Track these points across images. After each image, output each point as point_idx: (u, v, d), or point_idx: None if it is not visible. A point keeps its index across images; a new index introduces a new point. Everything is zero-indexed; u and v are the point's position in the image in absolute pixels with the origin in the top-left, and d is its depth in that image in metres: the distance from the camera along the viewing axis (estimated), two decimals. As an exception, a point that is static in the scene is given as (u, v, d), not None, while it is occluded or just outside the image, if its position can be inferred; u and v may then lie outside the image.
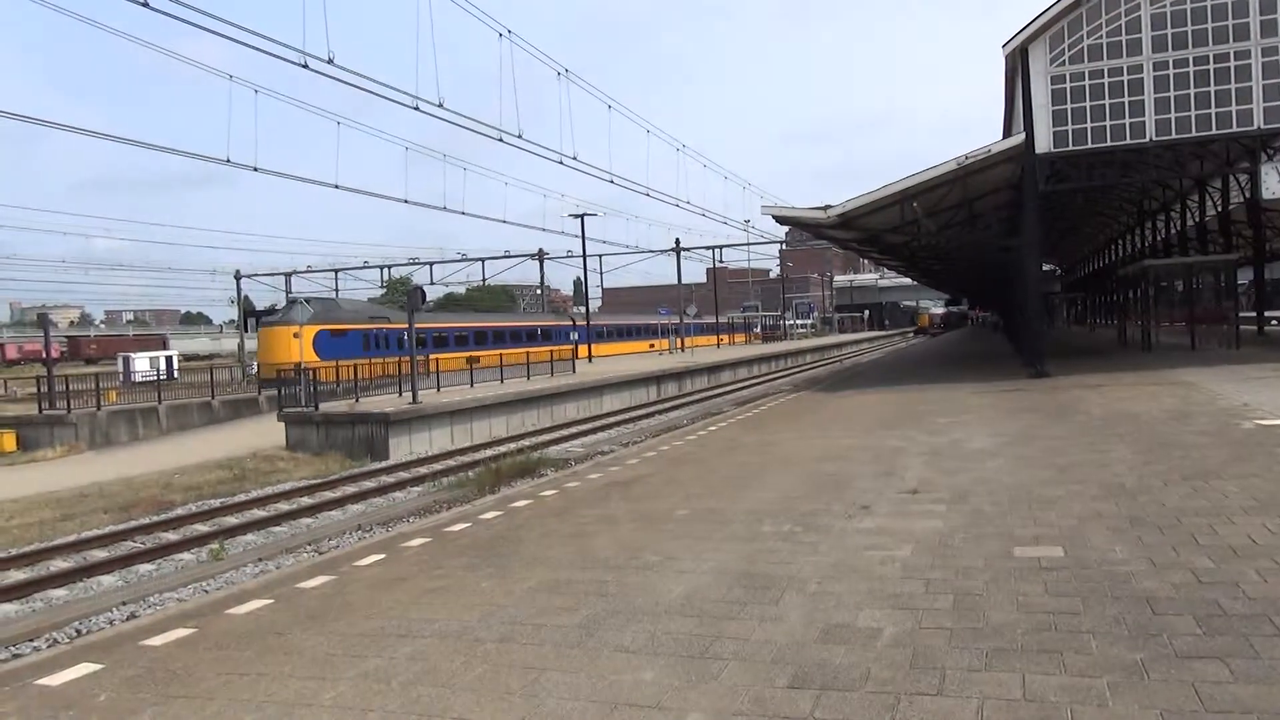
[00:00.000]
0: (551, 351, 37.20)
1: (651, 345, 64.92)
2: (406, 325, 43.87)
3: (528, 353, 36.24)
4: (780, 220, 25.27)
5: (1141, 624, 4.51)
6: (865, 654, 4.36)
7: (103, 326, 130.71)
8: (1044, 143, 21.18)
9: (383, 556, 7.16)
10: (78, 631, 9.47)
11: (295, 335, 37.83)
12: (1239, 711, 3.52)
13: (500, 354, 36.83)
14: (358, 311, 43.28)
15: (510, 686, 4.24)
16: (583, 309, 68.76)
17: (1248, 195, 32.77)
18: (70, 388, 29.38)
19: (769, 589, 5.52)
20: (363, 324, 41.42)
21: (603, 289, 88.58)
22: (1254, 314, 36.83)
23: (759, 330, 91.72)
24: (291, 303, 42.16)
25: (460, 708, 4.04)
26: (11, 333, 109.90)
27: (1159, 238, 42.57)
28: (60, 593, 11.59)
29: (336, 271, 73.43)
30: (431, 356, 33.92)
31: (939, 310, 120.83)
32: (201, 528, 14.83)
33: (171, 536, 14.29)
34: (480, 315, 60.81)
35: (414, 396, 23.92)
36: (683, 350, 56.77)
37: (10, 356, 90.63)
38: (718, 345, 69.37)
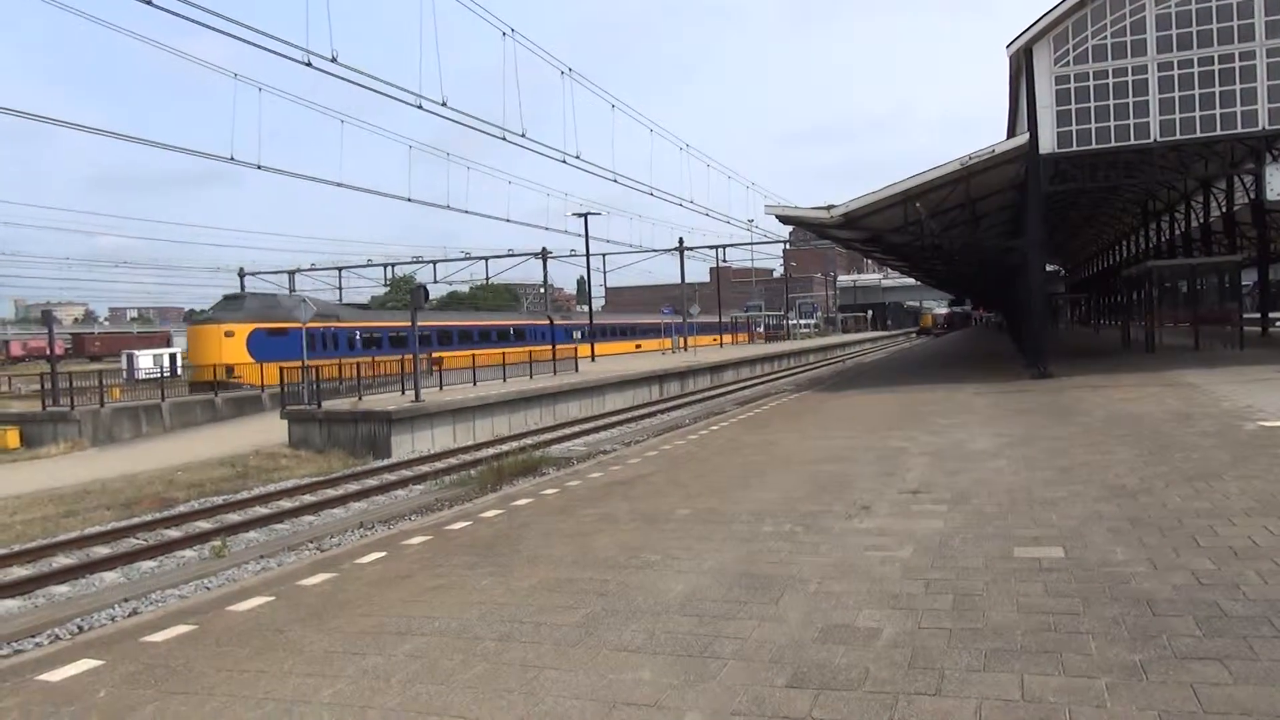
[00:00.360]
0: (554, 350, 36.59)
1: (638, 346, 62.16)
2: (358, 324, 40.44)
3: (503, 353, 34.14)
4: (783, 220, 25.27)
5: (1141, 625, 4.51)
6: (864, 654, 4.36)
7: (107, 324, 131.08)
8: (1048, 143, 21.16)
9: (384, 554, 7.17)
10: (79, 628, 9.49)
11: (227, 335, 35.35)
12: (1237, 713, 3.51)
13: (462, 355, 34.62)
14: (302, 309, 41.58)
15: (509, 685, 4.25)
16: (585, 307, 68.75)
17: (1252, 196, 32.72)
18: (74, 384, 29.44)
19: (769, 589, 5.52)
20: (308, 322, 39.80)
21: (606, 288, 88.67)
22: (1258, 315, 36.77)
23: (762, 330, 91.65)
24: (226, 299, 39.52)
25: (459, 705, 4.05)
26: (16, 330, 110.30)
27: (1163, 239, 42.56)
28: (62, 589, 11.61)
29: (340, 269, 73.64)
30: (379, 359, 32.30)
31: (942, 310, 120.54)
32: (204, 525, 14.85)
33: (174, 533, 14.32)
34: (444, 314, 56.08)
35: (416, 395, 23.96)
36: (685, 350, 56.77)
37: (15, 353, 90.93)
38: (720, 345, 69.33)
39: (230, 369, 33.91)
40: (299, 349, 36.07)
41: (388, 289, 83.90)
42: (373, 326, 42.33)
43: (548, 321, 55.12)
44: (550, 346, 41.84)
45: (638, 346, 61.80)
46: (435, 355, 36.61)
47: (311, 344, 36.71)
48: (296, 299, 40.75)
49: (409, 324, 43.53)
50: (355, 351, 38.58)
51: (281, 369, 27.26)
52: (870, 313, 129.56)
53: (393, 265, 73.60)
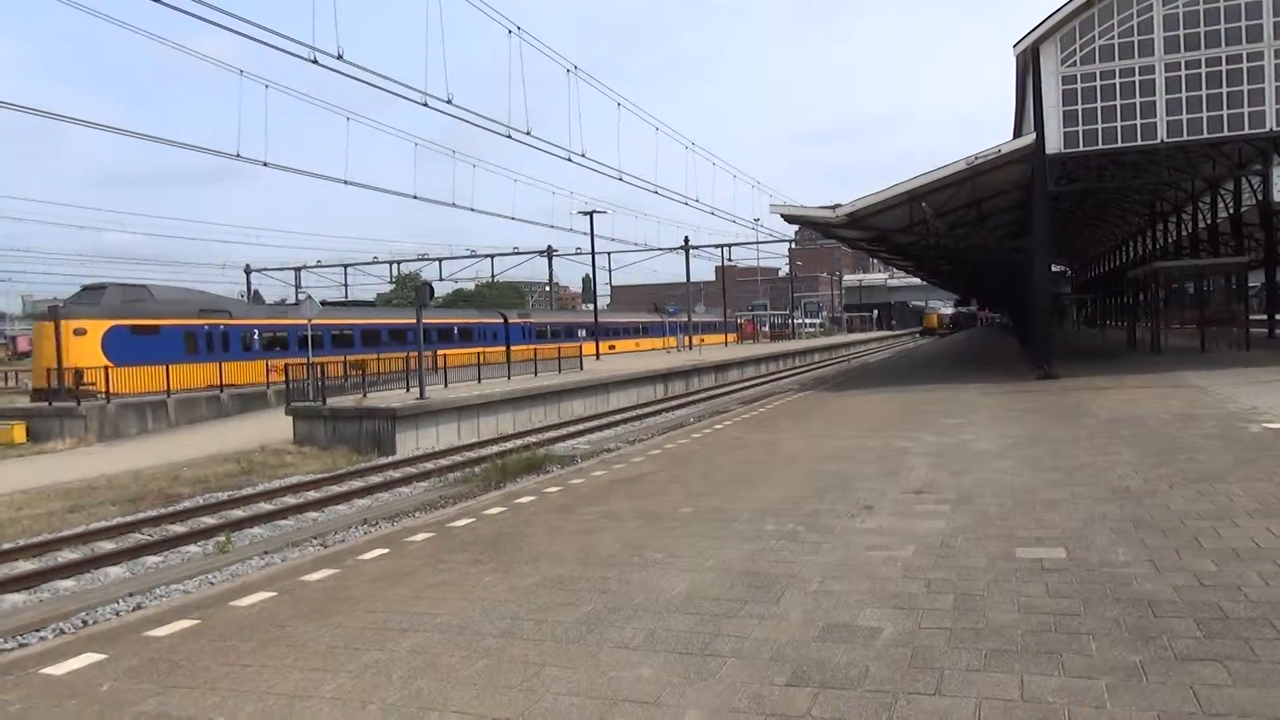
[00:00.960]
0: (507, 351, 34.35)
1: (612, 347, 55.66)
2: (257, 322, 36.04)
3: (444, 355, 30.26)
4: (789, 219, 25.28)
5: (1142, 626, 4.50)
6: (864, 653, 4.37)
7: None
8: (1054, 143, 21.13)
9: (386, 551, 7.19)
10: (83, 622, 9.53)
11: (77, 333, 29.96)
12: (1237, 715, 3.51)
13: (394, 358, 30.11)
14: (181, 303, 33.97)
15: (510, 681, 4.26)
16: (590, 305, 68.78)
17: (1260, 198, 32.62)
18: (80, 380, 29.43)
19: (770, 587, 5.53)
20: (187, 319, 33.02)
21: (611, 286, 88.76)
22: (1265, 317, 36.63)
23: (768, 329, 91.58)
24: (84, 290, 33.57)
25: (459, 701, 4.06)
26: (23, 325, 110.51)
27: (1170, 239, 42.42)
28: (68, 583, 11.65)
29: (346, 267, 73.80)
30: (289, 362, 28.89)
31: (948, 310, 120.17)
32: (208, 520, 14.90)
33: (178, 529, 14.36)
34: (374, 311, 46.82)
35: (421, 392, 24.01)
36: (690, 348, 56.79)
37: (22, 349, 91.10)
38: (725, 344, 69.28)
39: (80, 374, 28.73)
40: (174, 350, 31.18)
41: (394, 286, 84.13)
42: (276, 325, 37.18)
43: (501, 320, 49.79)
44: (504, 347, 38.52)
45: (611, 348, 55.27)
46: (356, 359, 31.02)
47: (190, 345, 32.65)
48: (172, 290, 35.80)
49: (325, 321, 37.65)
50: (253, 354, 34.18)
51: (287, 366, 27.26)
52: (876, 312, 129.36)
53: (398, 263, 73.81)
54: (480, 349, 34.78)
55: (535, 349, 35.63)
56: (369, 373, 27.99)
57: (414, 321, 43.21)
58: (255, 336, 35.47)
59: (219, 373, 31.39)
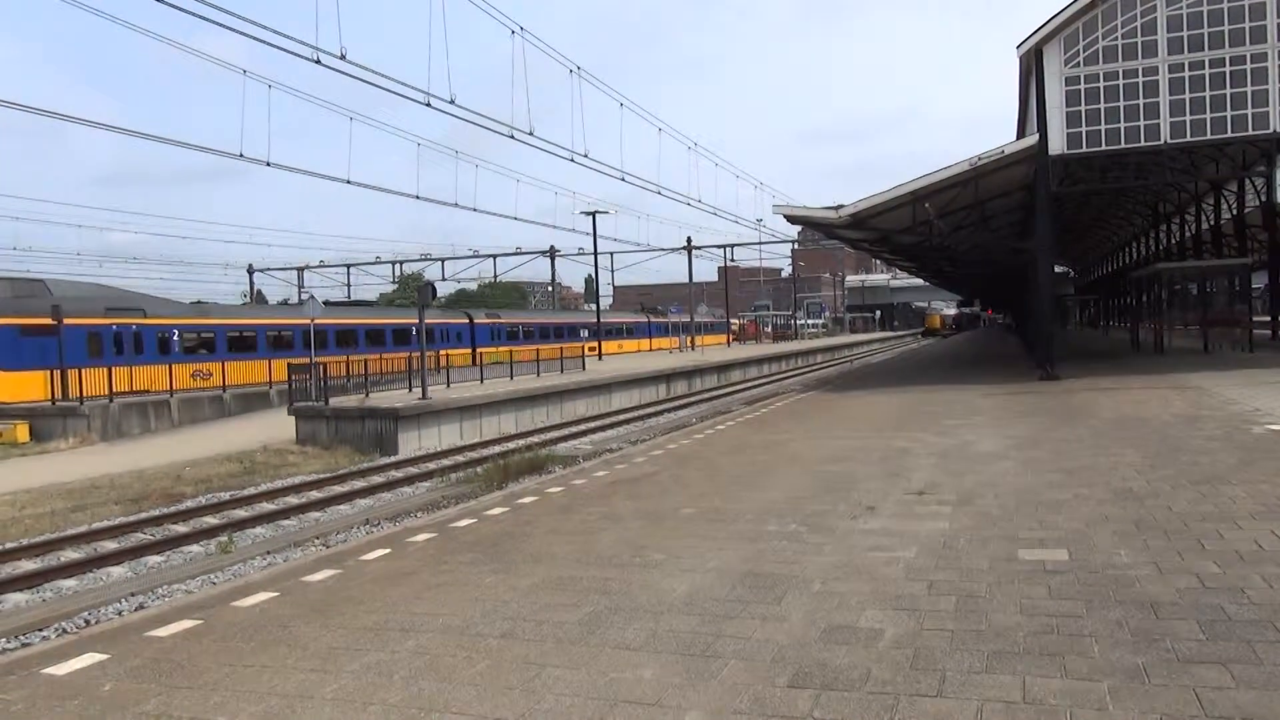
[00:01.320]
0: (474, 354, 33.22)
1: (594, 349, 50.61)
2: (177, 321, 33.13)
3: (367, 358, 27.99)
4: (792, 220, 25.28)
5: (1144, 628, 4.49)
6: (866, 654, 4.36)
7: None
8: (1057, 144, 21.11)
9: (388, 551, 7.19)
10: (86, 622, 9.54)
11: None
12: (1239, 717, 3.50)
13: (339, 360, 28.39)
14: (84, 300, 30.57)
15: (511, 682, 4.26)
16: (591, 305, 68.74)
17: (1263, 199, 32.57)
18: (83, 379, 29.45)
19: (772, 588, 5.52)
20: (90, 318, 29.93)
21: (614, 286, 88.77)
22: (1269, 318, 36.57)
23: (770, 329, 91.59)
24: None
25: (460, 702, 4.06)
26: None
27: (1173, 240, 42.39)
28: (70, 583, 11.67)
29: (349, 267, 73.85)
30: (211, 365, 28.47)
31: (951, 311, 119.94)
32: (211, 520, 14.91)
33: (181, 529, 14.38)
34: (333, 311, 40.27)
35: (424, 392, 24.03)
36: (692, 349, 56.79)
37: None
38: (727, 344, 69.21)
39: None
40: (75, 352, 28.46)
41: (396, 286, 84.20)
42: (200, 325, 34.46)
43: (466, 320, 46.81)
44: (470, 350, 37.10)
45: (594, 349, 51.16)
46: (296, 363, 28.11)
47: (95, 347, 29.74)
48: (74, 286, 32.45)
49: (256, 320, 36.03)
50: (172, 356, 31.62)
51: (290, 365, 27.24)
52: (878, 313, 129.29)
53: (401, 263, 73.89)
54: (440, 352, 32.16)
55: (538, 350, 35.58)
56: (334, 375, 26.97)
57: (366, 322, 41.78)
58: (175, 337, 32.81)
59: (130, 378, 28.95)
